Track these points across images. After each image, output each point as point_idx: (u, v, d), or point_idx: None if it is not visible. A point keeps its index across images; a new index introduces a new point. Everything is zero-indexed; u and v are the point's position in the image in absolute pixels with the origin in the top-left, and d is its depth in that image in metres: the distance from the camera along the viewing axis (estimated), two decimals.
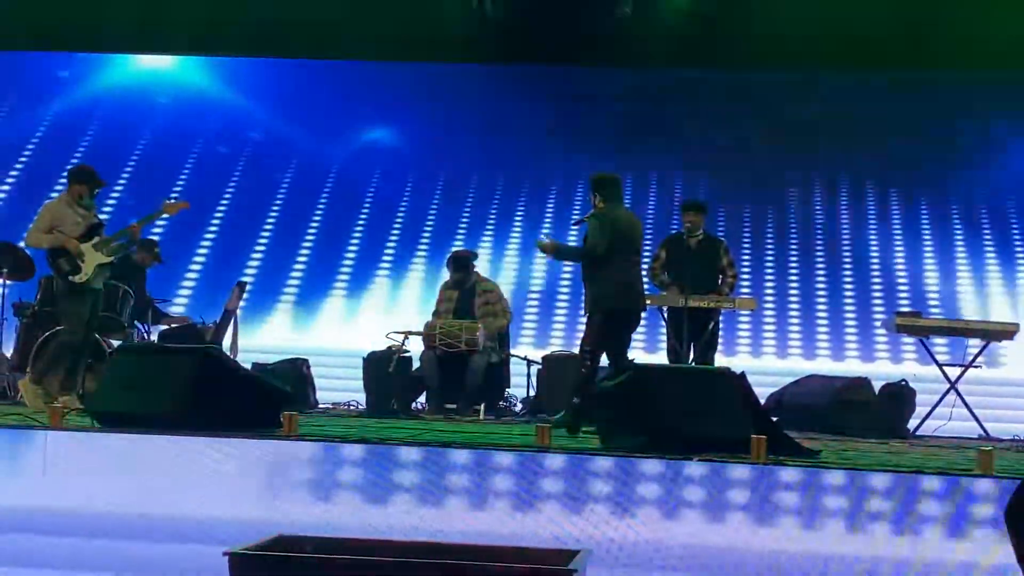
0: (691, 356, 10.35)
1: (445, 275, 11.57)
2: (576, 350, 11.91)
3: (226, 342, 11.39)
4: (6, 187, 15.41)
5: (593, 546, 5.72)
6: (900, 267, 16.24)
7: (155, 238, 12.65)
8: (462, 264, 11.26)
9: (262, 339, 14.13)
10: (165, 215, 10.23)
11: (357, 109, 17.52)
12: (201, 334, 11.41)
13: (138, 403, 7.58)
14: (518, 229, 16.42)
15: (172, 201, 10.06)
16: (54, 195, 10.79)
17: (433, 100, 17.21)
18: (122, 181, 16.59)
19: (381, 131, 18.02)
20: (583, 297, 9.16)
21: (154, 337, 11.42)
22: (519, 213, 16.62)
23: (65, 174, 9.98)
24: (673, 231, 11.74)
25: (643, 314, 9.37)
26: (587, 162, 16.92)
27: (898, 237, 16.63)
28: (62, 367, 9.47)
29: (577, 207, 17.24)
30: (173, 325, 11.79)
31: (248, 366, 10.63)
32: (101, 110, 17.71)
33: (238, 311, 11.72)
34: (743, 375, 7.63)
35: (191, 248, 15.98)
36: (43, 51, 17.19)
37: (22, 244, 9.84)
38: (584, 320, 9.18)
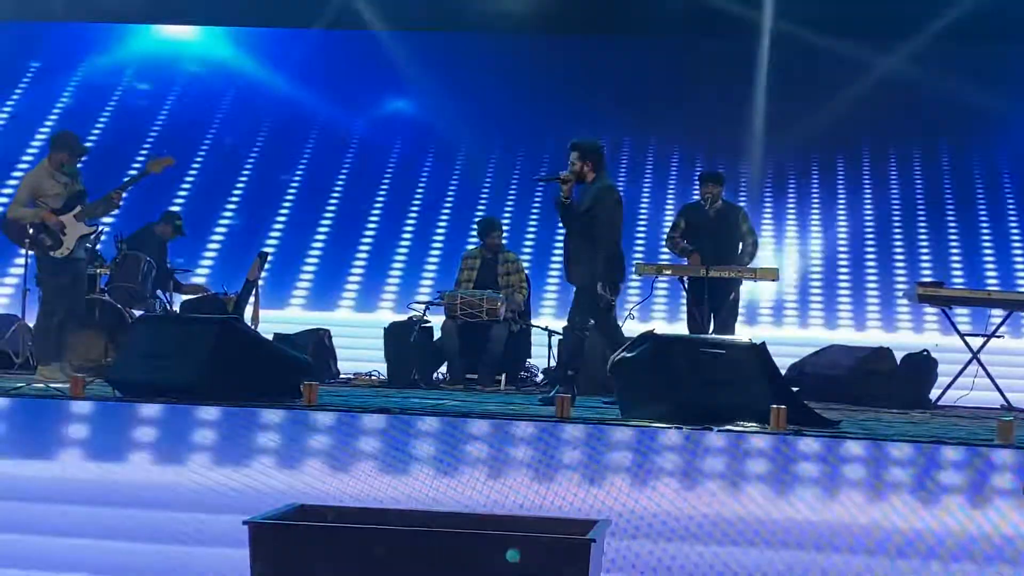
0: (711, 326, 10.33)
1: (466, 245, 11.59)
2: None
3: (247, 312, 11.41)
4: (29, 157, 15.41)
5: (612, 516, 5.73)
6: (923, 236, 16.16)
7: (176, 210, 12.68)
8: (490, 232, 11.26)
9: (283, 309, 14.16)
10: (151, 173, 9.96)
11: (378, 79, 17.49)
12: (223, 304, 11.43)
13: (159, 373, 7.62)
14: (539, 199, 16.38)
15: (155, 159, 9.90)
16: (24, 165, 10.61)
17: (454, 69, 17.16)
18: (144, 150, 16.60)
19: (402, 101, 17.99)
20: (571, 269, 8.88)
21: (176, 307, 11.46)
22: (541, 183, 16.58)
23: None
24: (693, 199, 11.71)
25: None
26: (609, 131, 16.91)
27: (921, 206, 16.54)
28: (55, 342, 9.39)
29: None
30: (195, 295, 11.83)
31: (269, 336, 10.65)
32: (124, 80, 17.73)
33: (259, 281, 11.74)
34: (763, 345, 7.61)
35: (213, 219, 16.00)
36: (67, 21, 17.26)
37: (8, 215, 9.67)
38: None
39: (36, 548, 6.15)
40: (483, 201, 16.34)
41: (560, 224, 9.22)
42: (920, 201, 16.66)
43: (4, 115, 16.85)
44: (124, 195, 9.60)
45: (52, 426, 6.98)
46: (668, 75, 17.30)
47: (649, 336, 7.85)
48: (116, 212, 10.00)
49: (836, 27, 16.31)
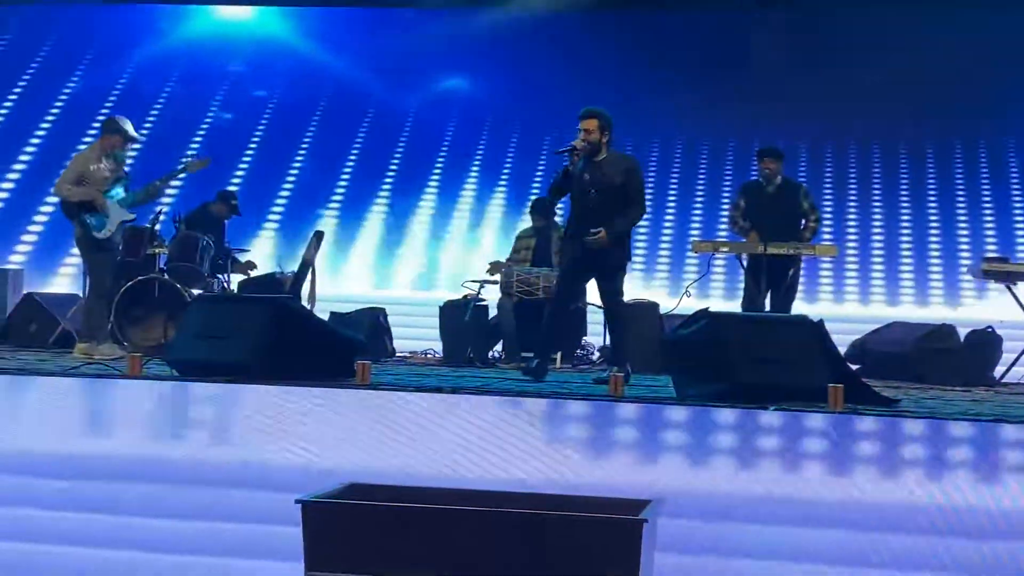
0: (769, 304, 10.22)
1: (522, 224, 11.53)
2: (652, 297, 11.87)
3: (304, 292, 11.45)
4: (88, 139, 15.54)
5: (666, 496, 5.67)
6: (987, 210, 15.91)
7: (233, 189, 12.74)
8: (545, 210, 11.18)
9: (340, 288, 14.20)
10: (188, 172, 10.25)
11: (433, 57, 17.44)
12: (280, 284, 11.48)
13: (215, 352, 7.66)
14: None
15: (193, 159, 10.12)
16: (83, 146, 10.83)
17: (509, 47, 17.09)
18: (200, 132, 16.71)
19: (457, 79, 17.95)
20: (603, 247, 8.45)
21: (234, 287, 11.52)
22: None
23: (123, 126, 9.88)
24: (752, 177, 11.59)
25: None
26: (666, 107, 16.78)
27: (985, 180, 16.28)
28: (104, 320, 9.57)
29: (655, 153, 17.10)
30: (252, 274, 11.88)
31: (325, 315, 10.68)
32: (179, 62, 17.83)
33: (316, 261, 11.77)
34: (821, 322, 7.51)
35: (269, 198, 16.08)
36: (123, 3, 17.37)
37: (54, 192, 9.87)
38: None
39: (94, 526, 6.20)
40: (538, 179, 16.27)
41: (552, 197, 9.01)
42: (984, 174, 16.39)
43: (62, 100, 17.00)
44: (164, 187, 9.87)
45: (110, 405, 7.04)
46: (727, 49, 17.11)
47: (704, 314, 7.78)
48: (159, 200, 10.20)
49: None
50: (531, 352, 10.57)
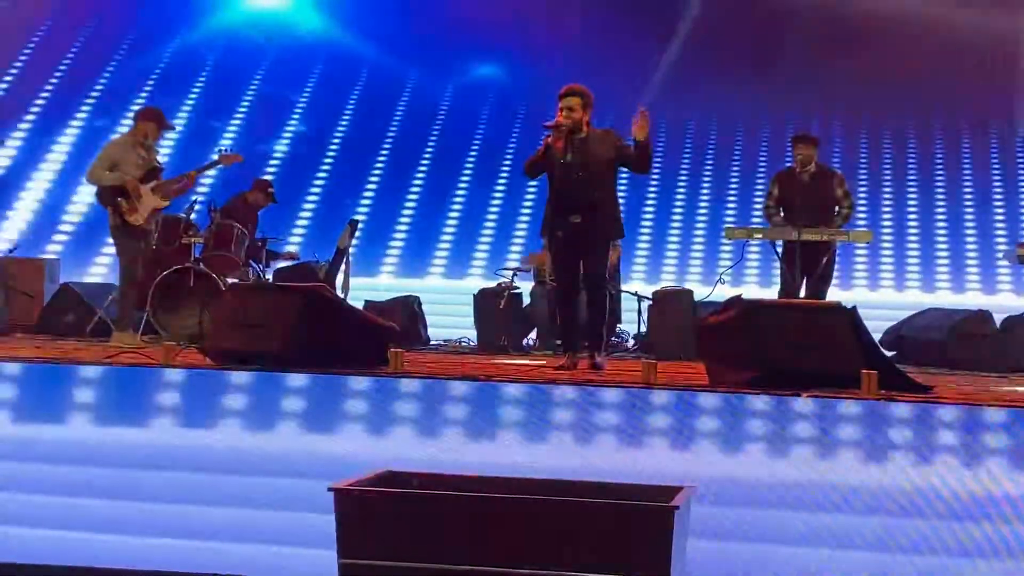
0: (803, 290, 10.18)
1: None
2: (687, 285, 11.87)
3: (339, 280, 11.50)
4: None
5: (699, 483, 5.67)
6: None
7: (268, 178, 12.78)
8: None
9: (374, 277, 14.24)
10: (220, 166, 10.33)
11: (467, 45, 17.45)
12: (315, 272, 11.53)
13: (249, 340, 7.69)
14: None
15: (227, 153, 10.18)
16: (116, 136, 10.90)
17: (543, 34, 17.07)
18: (237, 120, 16.78)
19: (491, 67, 17.94)
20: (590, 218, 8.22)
21: (269, 276, 11.57)
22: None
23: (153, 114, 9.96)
24: (786, 165, 11.52)
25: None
26: (700, 94, 16.72)
27: (1021, 164, 16.14)
28: (133, 308, 9.66)
29: (690, 139, 17.05)
30: (287, 263, 11.93)
31: (360, 304, 10.72)
32: (215, 51, 17.90)
33: (351, 249, 11.81)
34: (854, 309, 7.47)
35: (304, 187, 16.13)
36: None
37: (83, 179, 9.93)
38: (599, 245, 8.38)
39: (129, 514, 6.26)
40: None
41: (531, 174, 8.69)
42: (1021, 159, 16.25)
43: (99, 87, 17.09)
44: (198, 177, 9.91)
45: (145, 394, 7.09)
46: (762, 36, 17.02)
47: (738, 300, 7.76)
48: (192, 189, 10.24)
49: None
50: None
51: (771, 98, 16.61)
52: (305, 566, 5.64)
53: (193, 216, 10.73)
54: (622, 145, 8.33)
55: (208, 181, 13.55)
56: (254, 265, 11.32)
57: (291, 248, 13.13)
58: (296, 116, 17.30)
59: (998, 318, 10.34)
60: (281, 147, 16.74)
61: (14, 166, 15.72)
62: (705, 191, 16.25)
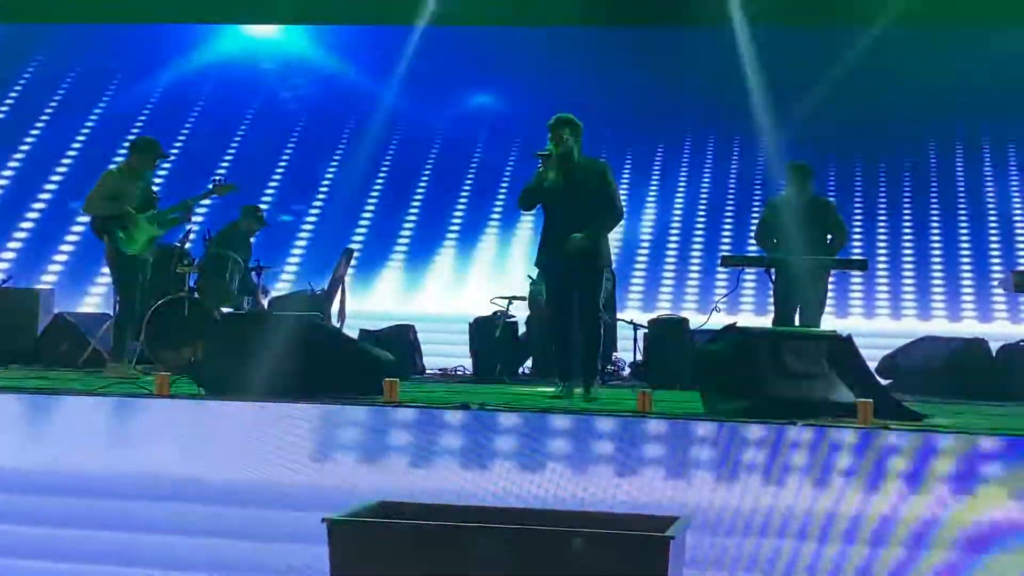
0: (798, 318, 10.18)
1: None
2: (682, 313, 11.87)
3: (334, 309, 11.48)
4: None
5: (695, 512, 5.65)
6: (1019, 222, 15.80)
7: (262, 206, 12.78)
8: None
9: (370, 305, 14.23)
10: (214, 195, 10.33)
11: (462, 75, 17.50)
12: (310, 301, 11.52)
13: (243, 370, 7.67)
14: (624, 191, 16.29)
15: (221, 183, 10.19)
16: (113, 166, 10.93)
17: (537, 64, 17.12)
18: (231, 150, 16.80)
19: (485, 96, 17.99)
20: (587, 251, 8.26)
21: (265, 303, 11.55)
22: (624, 176, 16.47)
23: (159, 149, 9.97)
24: (780, 192, 11.55)
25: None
26: (695, 123, 16.77)
27: (1016, 192, 16.17)
28: (130, 338, 9.64)
29: (684, 169, 17.08)
30: (271, 297, 11.90)
31: (355, 333, 10.71)
32: (209, 80, 17.94)
33: (346, 278, 11.80)
34: (849, 338, 7.48)
35: (300, 215, 16.14)
36: (152, 23, 17.47)
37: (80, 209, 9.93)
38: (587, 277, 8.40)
39: (123, 544, 6.23)
40: None
41: (526, 206, 8.70)
42: (1016, 187, 16.28)
43: (93, 119, 17.12)
44: (194, 206, 9.94)
45: (138, 424, 7.06)
46: (757, 66, 17.07)
47: (733, 329, 7.76)
48: (192, 218, 10.23)
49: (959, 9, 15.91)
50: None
51: (767, 127, 16.63)
52: None
53: (188, 245, 10.73)
54: (603, 180, 8.37)
55: (202, 211, 13.54)
56: (248, 295, 11.31)
57: (287, 277, 13.12)
58: (291, 145, 17.32)
59: (994, 346, 10.34)
60: (276, 175, 16.75)
61: (8, 196, 15.73)
62: (700, 220, 16.28)
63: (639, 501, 6.02)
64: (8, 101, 17.21)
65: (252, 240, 11.66)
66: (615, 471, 6.28)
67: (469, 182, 16.90)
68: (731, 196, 16.52)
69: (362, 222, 16.25)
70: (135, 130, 16.04)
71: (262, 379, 7.52)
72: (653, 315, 12.26)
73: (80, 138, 16.72)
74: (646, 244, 15.76)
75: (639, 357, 11.19)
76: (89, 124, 17.00)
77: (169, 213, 9.74)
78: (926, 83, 16.13)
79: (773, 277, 10.47)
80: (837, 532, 5.83)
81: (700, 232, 16.07)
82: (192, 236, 10.90)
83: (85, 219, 10.06)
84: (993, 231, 15.74)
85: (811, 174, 10.79)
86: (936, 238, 15.74)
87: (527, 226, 16.11)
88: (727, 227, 16.07)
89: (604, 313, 10.65)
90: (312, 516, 4.86)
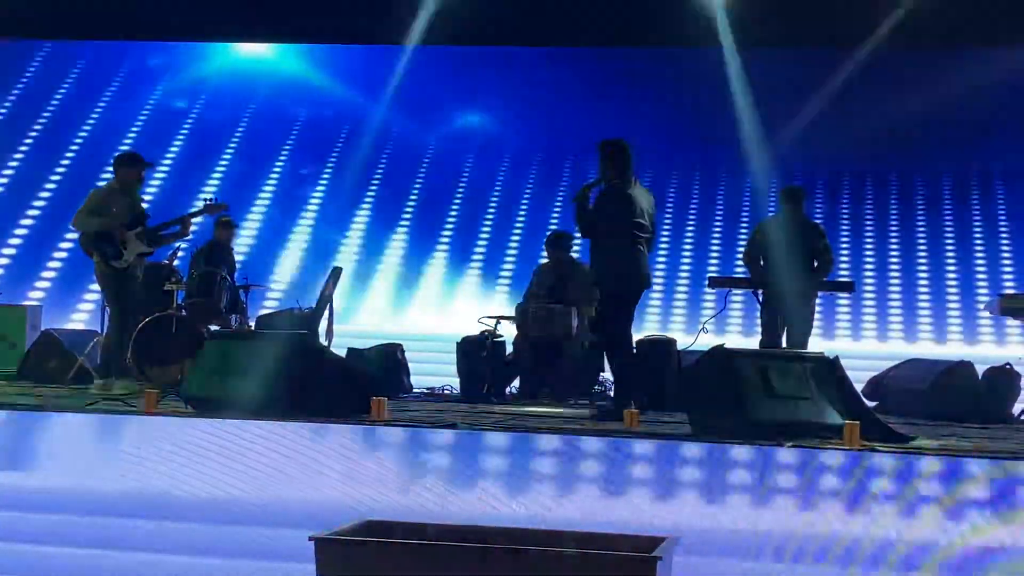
0: (785, 340, 10.20)
1: (540, 258, 11.54)
2: (669, 334, 11.86)
3: (322, 327, 11.46)
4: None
5: (682, 533, 5.65)
6: (1005, 247, 15.86)
7: (224, 203, 12.64)
8: (560, 245, 11.17)
9: (358, 324, 14.22)
10: (205, 215, 10.31)
11: (451, 93, 17.53)
12: (298, 320, 11.49)
13: (230, 388, 7.68)
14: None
15: (212, 202, 10.18)
16: (101, 183, 10.90)
17: (526, 85, 17.17)
18: (221, 167, 16.80)
19: (475, 115, 18.03)
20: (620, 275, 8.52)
21: (252, 322, 11.54)
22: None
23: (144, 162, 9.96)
24: (768, 214, 11.60)
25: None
26: (683, 143, 16.81)
27: (1002, 216, 16.24)
28: (122, 355, 9.62)
29: (673, 189, 17.12)
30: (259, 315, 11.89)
31: (343, 351, 10.70)
32: (200, 99, 17.95)
33: (333, 297, 11.77)
34: (836, 359, 7.50)
35: (287, 234, 16.14)
36: (143, 40, 17.48)
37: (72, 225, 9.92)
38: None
39: (107, 562, 6.21)
40: (556, 213, 16.31)
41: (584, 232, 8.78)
42: (1002, 211, 16.35)
43: (82, 136, 17.12)
44: (190, 224, 9.91)
45: (125, 441, 7.05)
46: (743, 86, 17.14)
47: (720, 350, 7.78)
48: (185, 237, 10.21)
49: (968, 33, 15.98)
50: (548, 388, 10.60)
51: (755, 148, 16.69)
52: None
53: (176, 263, 10.71)
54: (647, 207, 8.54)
55: (192, 228, 13.52)
56: (235, 313, 11.28)
57: (275, 295, 13.08)
58: (280, 164, 17.33)
59: (980, 369, 10.36)
60: (265, 194, 16.76)
61: None
62: (688, 241, 16.32)
63: (626, 521, 6.03)
64: None
65: (232, 247, 11.64)
66: (603, 490, 6.29)
67: (458, 201, 16.92)
68: (719, 217, 16.56)
69: (350, 241, 16.25)
70: (125, 147, 16.04)
71: (250, 397, 7.52)
72: (641, 335, 12.26)
73: (70, 154, 16.71)
74: None
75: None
76: (79, 140, 16.99)
77: (162, 229, 9.71)
78: (913, 107, 16.22)
79: (761, 299, 10.50)
80: (822, 553, 5.84)
81: (688, 253, 16.11)
82: (181, 253, 10.90)
83: (73, 235, 10.02)
84: (979, 255, 15.80)
85: (801, 198, 10.83)
86: (923, 261, 15.80)
87: (514, 246, 16.16)
88: (715, 248, 16.10)
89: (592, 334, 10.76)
90: (299, 534, 4.86)
